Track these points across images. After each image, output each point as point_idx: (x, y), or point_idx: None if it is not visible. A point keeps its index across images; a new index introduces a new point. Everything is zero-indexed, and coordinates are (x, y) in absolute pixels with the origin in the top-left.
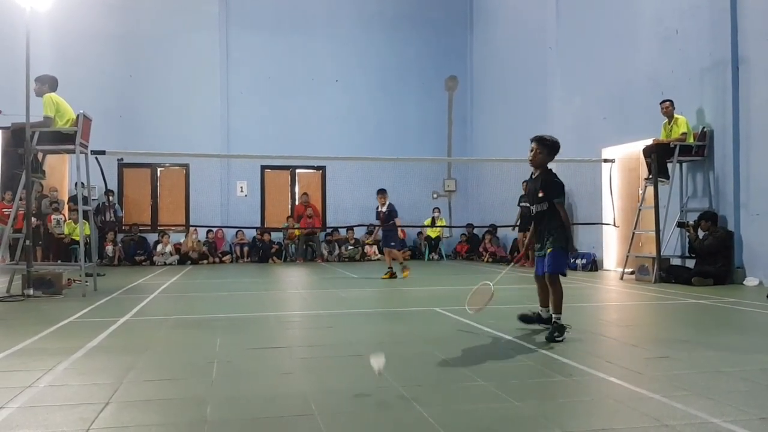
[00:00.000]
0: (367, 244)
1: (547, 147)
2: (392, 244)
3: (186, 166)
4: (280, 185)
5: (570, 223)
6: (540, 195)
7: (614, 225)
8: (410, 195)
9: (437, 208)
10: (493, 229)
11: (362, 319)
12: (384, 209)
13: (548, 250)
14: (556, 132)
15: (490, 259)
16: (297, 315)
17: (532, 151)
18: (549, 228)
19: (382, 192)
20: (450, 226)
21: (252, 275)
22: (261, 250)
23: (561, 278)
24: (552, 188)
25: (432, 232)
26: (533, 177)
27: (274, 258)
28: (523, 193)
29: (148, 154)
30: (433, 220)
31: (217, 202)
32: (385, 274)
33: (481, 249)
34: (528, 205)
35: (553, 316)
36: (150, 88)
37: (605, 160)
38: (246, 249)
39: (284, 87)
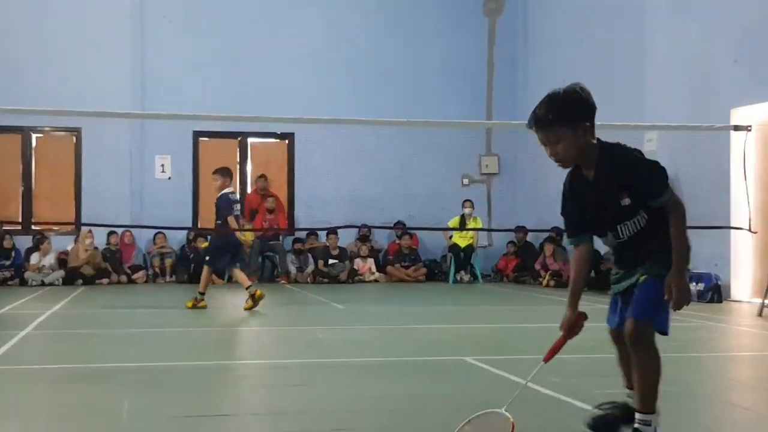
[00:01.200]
0: (361, 256)
1: (568, 117)
2: (207, 258)
3: (77, 132)
4: (222, 162)
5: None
6: (626, 202)
7: (749, 230)
8: (427, 180)
9: (469, 201)
10: (557, 235)
11: (352, 373)
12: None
13: (640, 279)
14: (658, 83)
15: (552, 283)
16: (251, 366)
17: (547, 147)
18: (645, 248)
19: (219, 173)
20: (489, 230)
21: (179, 303)
22: (192, 265)
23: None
24: (647, 179)
25: (461, 239)
26: (584, 176)
27: (213, 276)
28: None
29: (16, 111)
30: (463, 219)
31: (124, 189)
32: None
33: (538, 266)
34: (583, 233)
35: (637, 417)
36: (22, 16)
37: (736, 128)
38: (169, 262)
39: (233, 13)
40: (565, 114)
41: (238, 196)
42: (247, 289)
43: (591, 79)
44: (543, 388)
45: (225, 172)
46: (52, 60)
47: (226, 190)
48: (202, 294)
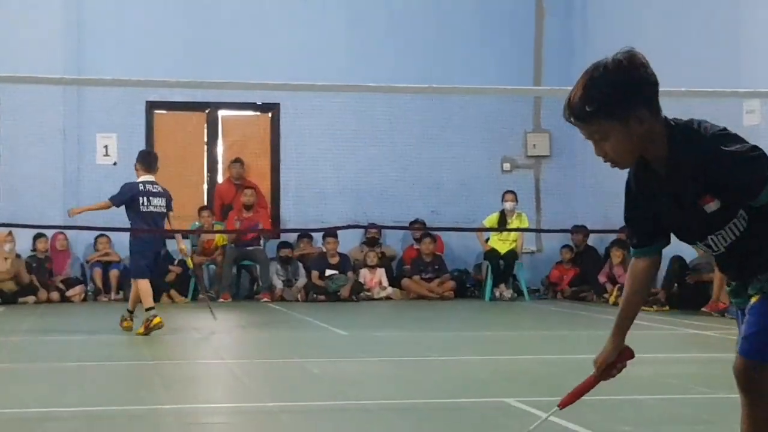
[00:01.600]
0: (368, 266)
1: (614, 106)
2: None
3: None
4: (185, 142)
5: None
6: (712, 207)
7: None
8: (456, 166)
9: (511, 192)
10: (628, 237)
11: (358, 420)
12: None
13: (751, 299)
14: (760, 34)
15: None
16: (223, 411)
17: (594, 142)
18: (752, 258)
19: (155, 161)
20: (538, 230)
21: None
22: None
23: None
24: (738, 174)
25: (500, 243)
26: (653, 170)
27: (172, 292)
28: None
29: None
30: (503, 217)
31: (55, 178)
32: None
33: (602, 278)
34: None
35: None
36: None
37: None
38: (115, 274)
39: None
40: (610, 102)
41: (159, 188)
42: (146, 310)
43: (669, 33)
44: None
45: (140, 156)
46: None
47: (140, 179)
48: (151, 308)
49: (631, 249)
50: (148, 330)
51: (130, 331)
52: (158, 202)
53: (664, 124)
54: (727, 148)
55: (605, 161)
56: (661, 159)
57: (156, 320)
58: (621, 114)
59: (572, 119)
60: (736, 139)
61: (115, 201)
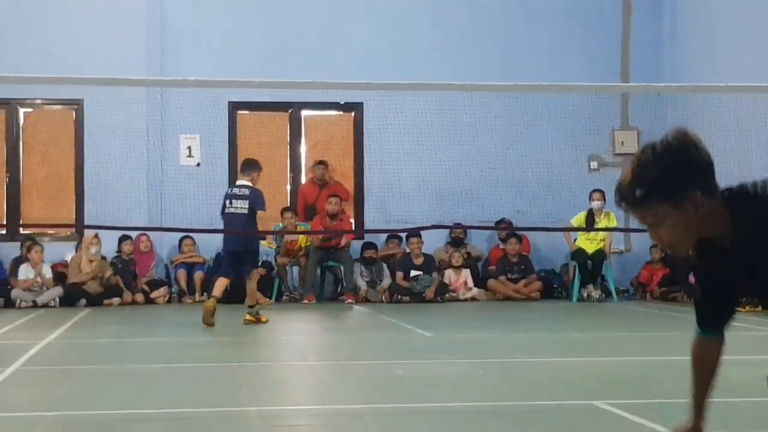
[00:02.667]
0: (453, 267)
1: (666, 191)
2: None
3: (77, 106)
4: (268, 142)
5: None
6: None
7: None
8: (541, 164)
9: (599, 191)
10: None
11: (442, 422)
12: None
13: None
14: None
15: None
16: (307, 413)
17: (648, 226)
18: None
19: (247, 166)
20: (627, 230)
21: (213, 329)
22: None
23: None
24: None
25: (588, 243)
26: (724, 249)
27: (259, 295)
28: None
29: (3, 79)
30: (591, 216)
31: (139, 179)
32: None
33: (693, 278)
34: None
35: None
36: None
37: None
38: (200, 275)
39: None
40: (661, 186)
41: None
42: (253, 305)
43: (757, 27)
44: None
45: (250, 167)
46: (44, 15)
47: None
48: (253, 307)
49: (702, 331)
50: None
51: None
52: (239, 204)
53: (721, 201)
54: None
55: (661, 247)
56: (725, 237)
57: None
58: (673, 198)
59: (623, 204)
60: None
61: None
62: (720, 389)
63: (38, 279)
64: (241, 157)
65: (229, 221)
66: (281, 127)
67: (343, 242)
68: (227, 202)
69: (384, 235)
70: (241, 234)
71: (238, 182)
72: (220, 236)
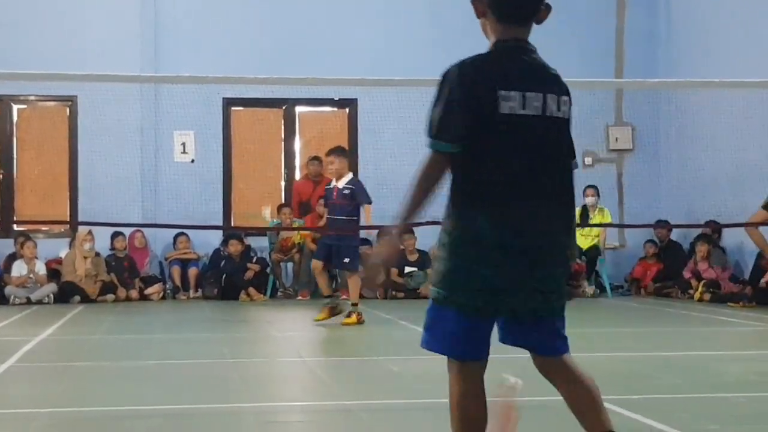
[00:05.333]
0: None
1: None
2: (346, 261)
3: (71, 102)
4: (262, 139)
5: None
6: None
7: None
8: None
9: (592, 187)
10: (713, 231)
11: (436, 418)
12: (340, 185)
13: None
14: None
15: (708, 296)
16: (301, 409)
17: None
18: None
19: (336, 153)
20: (621, 225)
21: (208, 326)
22: (225, 275)
23: None
24: None
25: (582, 238)
26: None
27: (251, 290)
28: None
29: None
30: (585, 212)
31: (133, 176)
32: (349, 315)
33: (687, 273)
34: None
35: None
36: None
37: None
38: (194, 272)
39: None
40: None
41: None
42: (353, 305)
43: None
44: None
45: (344, 152)
46: (38, 11)
47: (350, 175)
48: (355, 304)
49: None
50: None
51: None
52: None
53: None
54: None
55: None
56: None
57: (352, 318)
58: None
59: None
60: None
61: (368, 199)
62: (713, 385)
63: (32, 275)
64: (236, 154)
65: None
66: (275, 123)
67: None
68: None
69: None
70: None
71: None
72: (214, 233)
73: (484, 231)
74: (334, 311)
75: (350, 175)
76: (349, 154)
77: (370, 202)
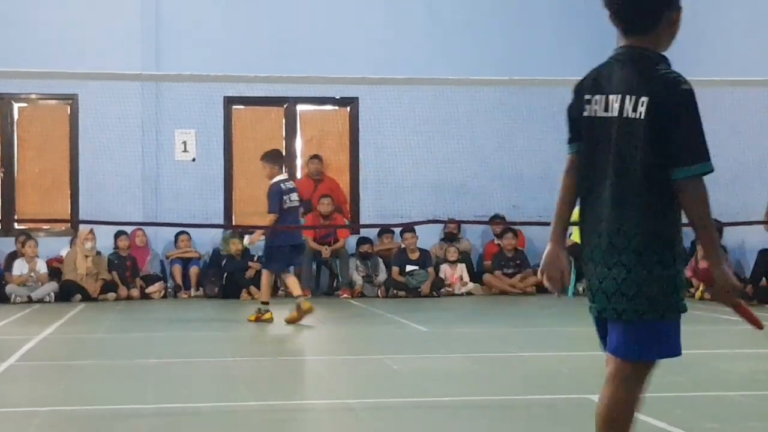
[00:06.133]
0: (448, 262)
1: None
2: (263, 260)
3: (72, 101)
4: (263, 137)
5: None
6: None
7: None
8: (536, 159)
9: None
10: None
11: (438, 417)
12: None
13: None
14: None
15: (708, 295)
16: (303, 407)
17: None
18: None
19: (264, 158)
20: None
21: (209, 325)
22: (226, 274)
23: None
24: None
25: (581, 238)
26: None
27: (252, 289)
28: None
29: None
30: None
31: (135, 174)
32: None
33: (688, 272)
34: None
35: None
36: None
37: None
38: (195, 271)
39: None
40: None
41: (292, 184)
42: (296, 298)
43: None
44: None
45: (273, 157)
46: (39, 9)
47: (276, 179)
48: (266, 304)
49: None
50: (301, 315)
51: (271, 320)
52: (294, 197)
53: None
54: None
55: None
56: None
57: (306, 306)
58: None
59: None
60: None
61: (275, 208)
62: (714, 383)
63: (33, 274)
64: (237, 153)
65: (293, 216)
66: (276, 121)
67: (338, 244)
68: (287, 197)
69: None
70: (297, 228)
71: (284, 176)
72: (214, 231)
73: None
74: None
75: (278, 178)
76: (278, 159)
77: (269, 212)
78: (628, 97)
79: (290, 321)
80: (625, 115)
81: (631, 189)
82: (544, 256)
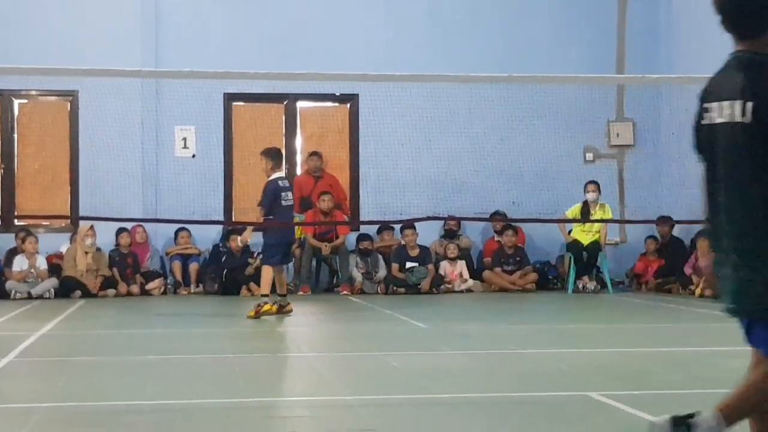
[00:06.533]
0: (448, 258)
1: None
2: (261, 256)
3: (72, 97)
4: (263, 134)
5: None
6: None
7: None
8: (536, 156)
9: (594, 183)
10: None
11: (438, 414)
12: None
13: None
14: None
15: (709, 292)
16: (302, 404)
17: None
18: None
19: (263, 153)
20: (622, 221)
21: (209, 321)
22: (226, 271)
23: None
24: None
25: (583, 234)
26: None
27: (251, 285)
28: None
29: None
30: (586, 208)
31: (135, 171)
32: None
33: (688, 269)
34: None
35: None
36: None
37: None
38: (195, 267)
39: None
40: None
41: (287, 183)
42: (262, 296)
43: None
44: None
45: (273, 155)
46: (39, 5)
47: (274, 176)
48: (266, 295)
49: None
50: (258, 315)
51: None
52: (290, 196)
53: None
54: None
55: None
56: None
57: (267, 307)
58: None
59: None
60: None
61: (266, 204)
62: (714, 380)
63: (33, 270)
64: (237, 149)
65: (288, 213)
66: (276, 118)
67: (338, 241)
68: (283, 194)
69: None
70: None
71: (281, 174)
72: (215, 227)
73: None
74: (282, 308)
75: (275, 175)
76: (278, 157)
77: (260, 206)
78: (737, 102)
79: (250, 317)
80: (735, 120)
81: (744, 193)
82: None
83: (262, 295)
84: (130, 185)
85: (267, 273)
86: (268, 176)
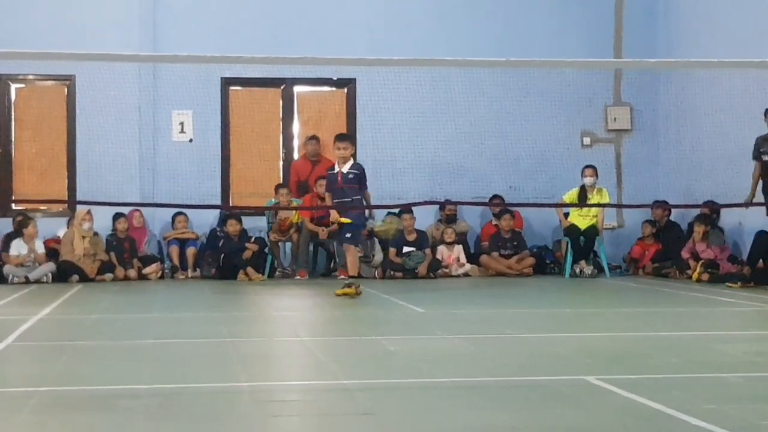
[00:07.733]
0: (446, 243)
1: None
2: (348, 236)
3: (69, 81)
4: (260, 118)
5: None
6: None
7: None
8: (534, 140)
9: (591, 167)
10: (711, 212)
11: (434, 398)
12: (345, 170)
13: None
14: None
15: (706, 276)
16: (299, 388)
17: None
18: None
19: (343, 139)
20: (619, 206)
21: (206, 305)
22: (223, 255)
23: None
24: None
25: (580, 219)
26: None
27: (249, 270)
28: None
29: None
30: (584, 192)
31: (132, 155)
32: (343, 288)
33: (686, 254)
34: None
35: None
36: None
37: None
38: (192, 251)
39: None
40: None
41: None
42: (351, 277)
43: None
44: (693, 418)
45: (354, 140)
46: None
47: (352, 160)
48: (354, 277)
49: None
50: (359, 293)
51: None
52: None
53: None
54: None
55: None
56: None
57: (351, 290)
58: None
59: None
60: None
61: (366, 187)
62: (710, 364)
63: (30, 255)
64: (234, 134)
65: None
66: (274, 103)
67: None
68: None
69: (375, 211)
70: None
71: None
72: (212, 212)
73: None
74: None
75: (352, 160)
76: (353, 144)
77: (366, 187)
78: None
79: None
80: None
81: None
82: None
83: (351, 277)
84: (127, 169)
85: (353, 254)
86: (347, 161)
